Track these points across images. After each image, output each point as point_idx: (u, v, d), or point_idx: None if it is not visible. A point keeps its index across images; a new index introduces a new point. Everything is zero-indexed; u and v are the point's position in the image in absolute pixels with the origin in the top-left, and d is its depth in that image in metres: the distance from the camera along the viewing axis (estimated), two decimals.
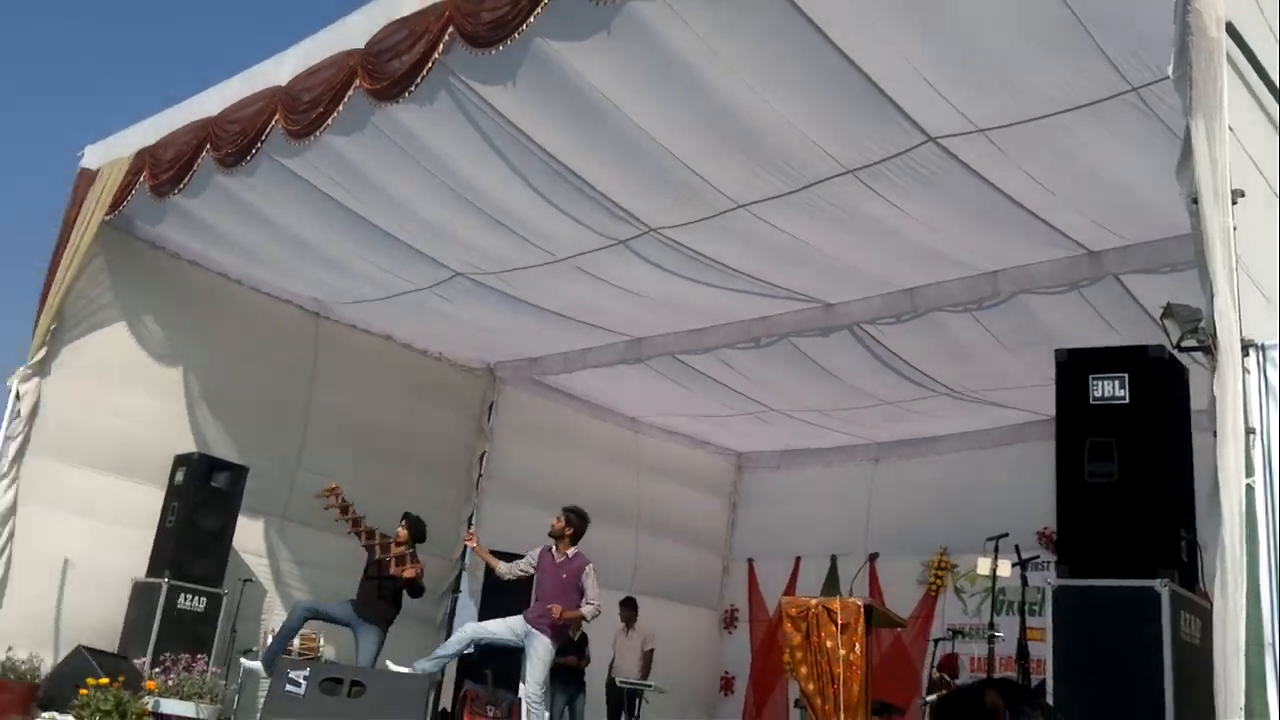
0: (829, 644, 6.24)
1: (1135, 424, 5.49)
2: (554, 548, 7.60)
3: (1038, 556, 8.13)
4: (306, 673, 6.31)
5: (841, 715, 6.10)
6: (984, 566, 6.25)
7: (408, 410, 10.78)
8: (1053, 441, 10.60)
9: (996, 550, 6.12)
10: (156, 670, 6.47)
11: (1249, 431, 4.02)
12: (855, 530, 12.10)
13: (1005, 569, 6.12)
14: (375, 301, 9.77)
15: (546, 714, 7.38)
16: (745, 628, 12.89)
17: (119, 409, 8.78)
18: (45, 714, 6.61)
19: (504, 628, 7.49)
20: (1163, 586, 5.17)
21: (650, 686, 9.78)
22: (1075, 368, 5.81)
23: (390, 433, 10.59)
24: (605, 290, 8.90)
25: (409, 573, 8.16)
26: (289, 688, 6.21)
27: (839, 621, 6.24)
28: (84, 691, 6.16)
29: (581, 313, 9.65)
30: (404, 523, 8.71)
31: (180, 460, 8.85)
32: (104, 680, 6.23)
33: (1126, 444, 5.48)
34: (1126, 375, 5.58)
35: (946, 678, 7.62)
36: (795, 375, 10.32)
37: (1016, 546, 6.33)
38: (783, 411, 11.52)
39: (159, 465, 8.84)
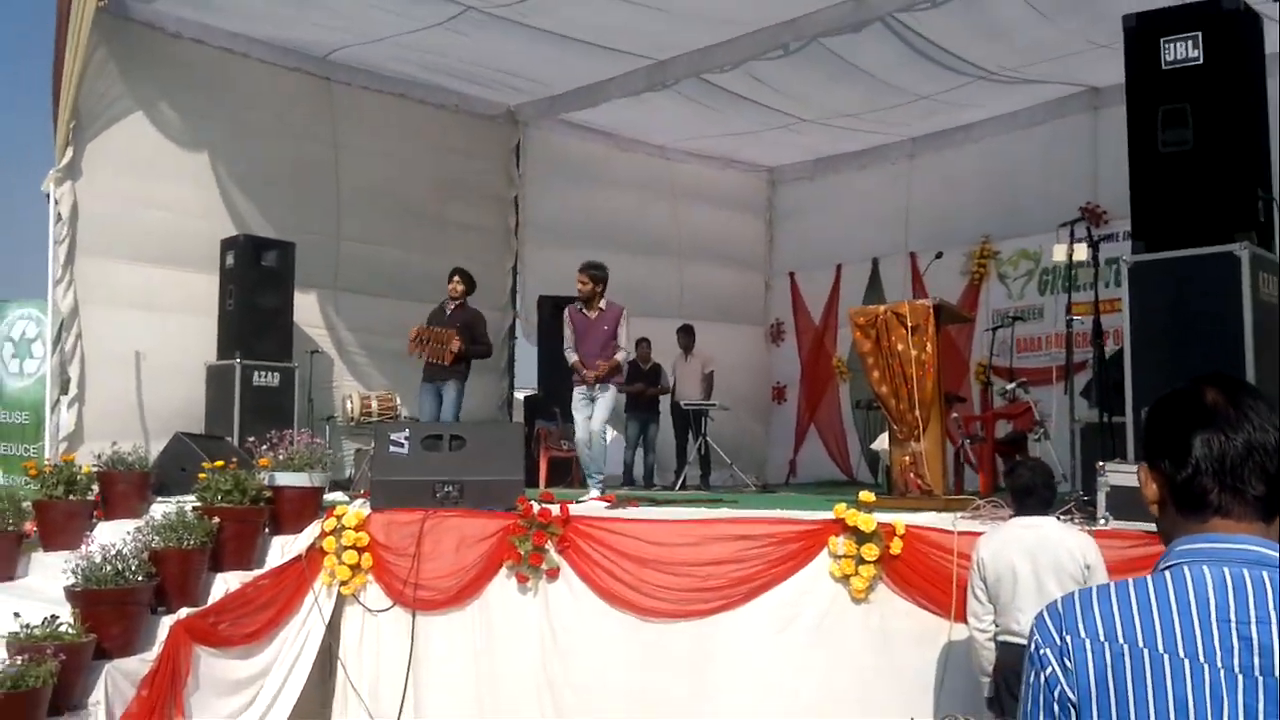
0: (900, 347, 6.36)
1: (1211, 86, 5.32)
2: (584, 308, 7.54)
3: (1112, 234, 8.14)
4: (407, 434, 6.53)
5: (917, 412, 6.31)
6: (1060, 253, 6.25)
7: (435, 166, 10.63)
8: (1092, 113, 10.52)
9: (1072, 235, 6.10)
10: (264, 447, 6.71)
11: None
12: (895, 230, 12.10)
13: (1081, 252, 6.13)
14: (386, 43, 9.37)
15: (609, 438, 7.56)
16: (792, 339, 13.18)
17: (155, 200, 8.71)
18: (160, 498, 6.96)
19: (579, 410, 7.47)
20: (1242, 249, 5.19)
21: (714, 405, 10.15)
22: (1145, 32, 5.56)
23: (422, 192, 10.51)
24: (623, 7, 8.50)
25: (455, 346, 8.37)
26: (392, 449, 6.46)
27: (909, 324, 6.33)
28: (202, 475, 6.43)
29: (601, 36, 9.26)
30: (456, 277, 8.80)
31: (227, 244, 8.86)
32: (219, 463, 6.49)
33: (1202, 108, 5.34)
34: (1200, 34, 5.35)
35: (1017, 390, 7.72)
36: (826, 79, 10.01)
37: (1088, 228, 6.30)
38: (815, 120, 11.26)
39: (206, 252, 8.86)
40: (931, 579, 5.09)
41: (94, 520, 6.79)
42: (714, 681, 5.42)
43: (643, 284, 11.89)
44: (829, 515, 5.42)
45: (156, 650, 5.62)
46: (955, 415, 7.53)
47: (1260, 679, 1.31)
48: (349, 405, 9.02)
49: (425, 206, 10.54)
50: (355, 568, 6.29)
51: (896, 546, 5.18)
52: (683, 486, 9.63)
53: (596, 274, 7.46)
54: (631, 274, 11.38)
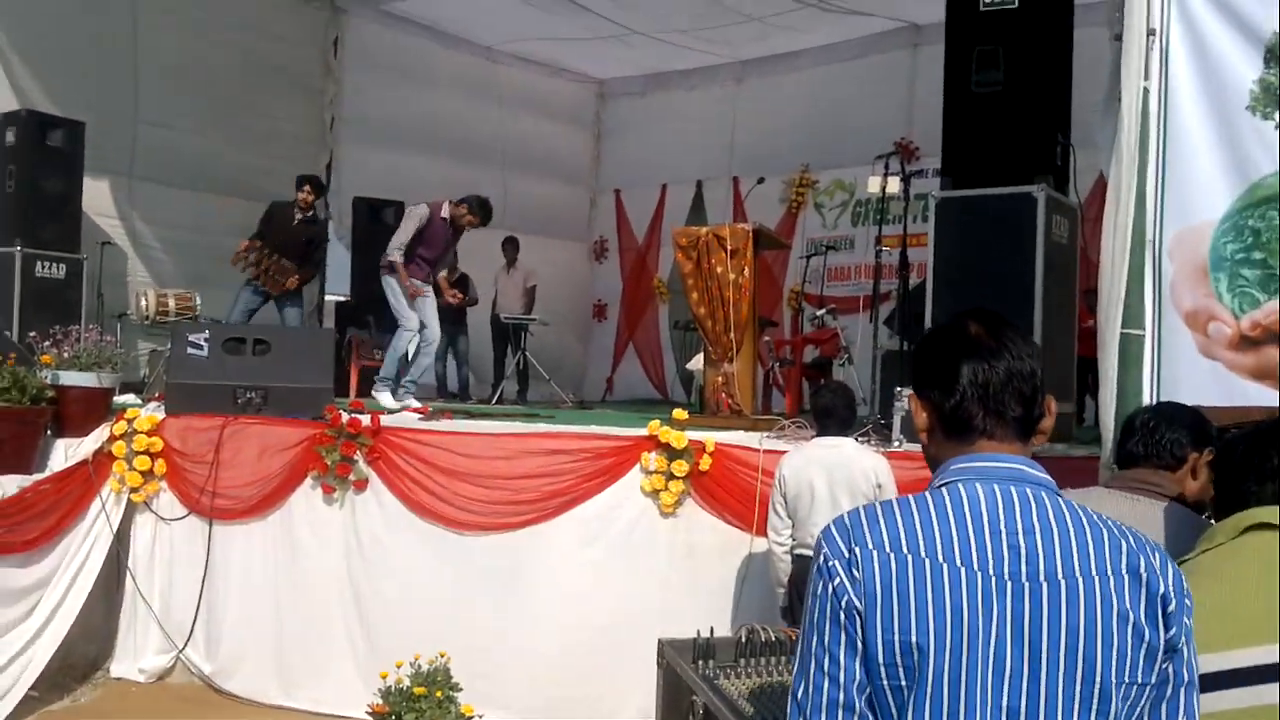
0: (719, 269, 6.46)
1: (1024, 30, 5.56)
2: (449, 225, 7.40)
3: (923, 170, 8.44)
4: (206, 335, 6.19)
5: (732, 334, 6.45)
6: (874, 185, 6.45)
7: (247, 51, 9.92)
8: (911, 50, 10.83)
9: (887, 167, 6.30)
10: (47, 343, 6.23)
11: (1149, 33, 4.12)
12: (720, 154, 12.20)
13: (894, 185, 6.34)
14: None
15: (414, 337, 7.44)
16: (615, 257, 13.20)
17: None
18: None
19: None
20: (1039, 191, 5.50)
21: (534, 320, 10.08)
22: None
23: (230, 78, 9.79)
24: None
25: (291, 283, 8.22)
26: (190, 350, 6.11)
27: (728, 248, 6.42)
28: None
29: None
30: (308, 186, 8.46)
31: (7, 119, 8.06)
32: None
33: (1013, 51, 5.57)
34: None
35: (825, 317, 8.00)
36: None
37: (902, 162, 6.52)
38: (645, 33, 11.14)
39: None
40: (737, 495, 5.25)
41: None
42: (521, 594, 5.46)
43: (464, 192, 11.58)
44: (643, 432, 5.49)
45: None
46: (767, 339, 7.75)
47: (1027, 585, 1.45)
48: (143, 303, 8.46)
49: (235, 94, 9.83)
50: (148, 474, 5.99)
51: (706, 463, 5.31)
52: (499, 401, 9.57)
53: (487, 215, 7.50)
54: (455, 180, 11.00)
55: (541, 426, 6.04)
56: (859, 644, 1.45)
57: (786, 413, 7.09)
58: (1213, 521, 2.13)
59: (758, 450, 5.26)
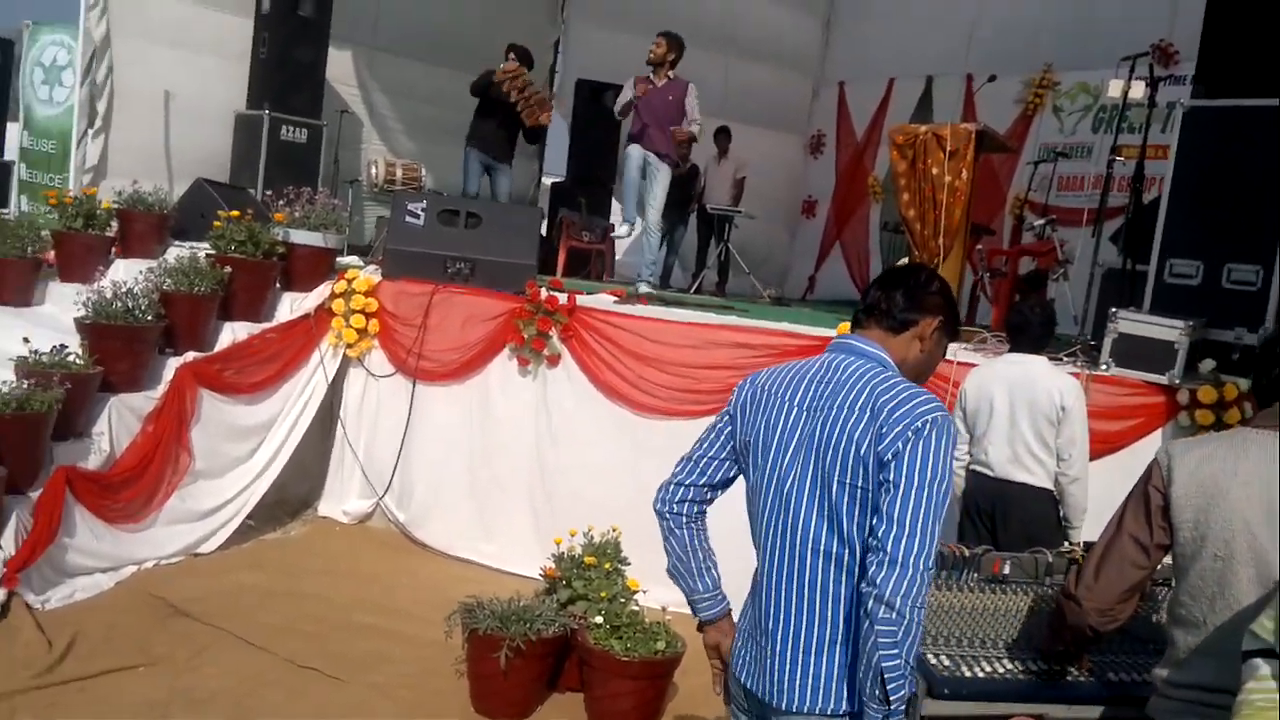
0: (934, 171, 6.15)
1: None
2: (652, 74, 7.37)
3: (1171, 75, 7.71)
4: (424, 205, 6.47)
5: (941, 240, 6.17)
6: (1115, 88, 5.91)
7: None
8: None
9: (1132, 70, 5.77)
10: (281, 202, 6.67)
11: None
12: (954, 48, 11.49)
13: (1138, 90, 5.81)
14: None
15: (637, 230, 7.58)
16: (831, 152, 12.81)
17: None
18: (178, 243, 7.00)
19: (633, 170, 7.44)
20: None
21: (740, 213, 9.97)
22: None
23: None
24: None
25: (545, 119, 8.24)
26: (408, 219, 6.41)
27: (948, 149, 6.10)
28: (217, 224, 6.42)
29: None
30: (511, 54, 8.52)
31: None
32: (235, 213, 6.47)
33: None
34: None
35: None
36: None
37: (1150, 65, 5.93)
38: None
39: None
40: None
41: (111, 257, 6.85)
42: None
43: (689, 79, 11.47)
44: (832, 333, 5.39)
45: (162, 389, 5.77)
46: (980, 247, 7.37)
47: (807, 411, 2.23)
48: (374, 170, 8.91)
49: None
50: (362, 331, 6.38)
51: None
52: (698, 290, 9.60)
53: (674, 39, 7.34)
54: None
55: (732, 319, 6.03)
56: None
57: (992, 325, 6.78)
58: None
59: (951, 361, 5.08)
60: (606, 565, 4.70)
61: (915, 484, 1.99)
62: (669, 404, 5.69)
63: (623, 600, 4.52)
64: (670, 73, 7.35)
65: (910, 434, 2.01)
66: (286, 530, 6.34)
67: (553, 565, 4.81)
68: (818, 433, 2.13)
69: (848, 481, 2.07)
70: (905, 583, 1.94)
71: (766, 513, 2.23)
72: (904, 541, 1.95)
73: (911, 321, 2.25)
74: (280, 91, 8.44)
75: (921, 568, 1.96)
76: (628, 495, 5.59)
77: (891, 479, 2.00)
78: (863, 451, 2.05)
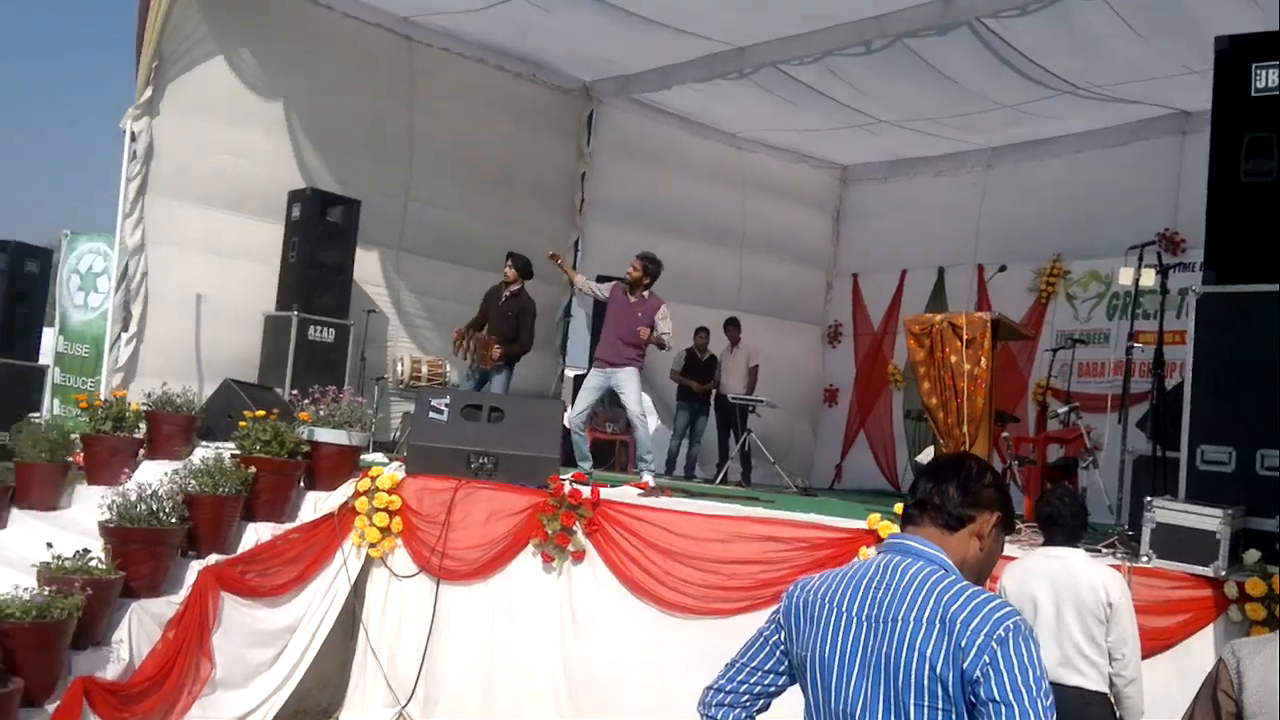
0: (953, 359, 6.21)
1: None
2: (628, 291, 7.56)
3: (1180, 263, 7.89)
4: (447, 400, 6.54)
5: (965, 428, 6.15)
6: (1126, 276, 6.03)
7: (507, 135, 10.63)
8: (1179, 137, 10.20)
9: (1140, 258, 5.90)
10: (306, 401, 6.77)
11: None
12: (964, 240, 11.87)
13: (1149, 277, 5.92)
14: (467, 14, 9.38)
15: (653, 422, 7.61)
16: (849, 342, 13.00)
17: (228, 146, 8.82)
18: (204, 443, 7.06)
19: (588, 391, 7.60)
20: None
21: (761, 401, 10.02)
22: (1236, 55, 5.37)
23: (492, 160, 10.52)
24: None
25: (497, 356, 8.39)
26: (432, 415, 6.47)
27: (964, 337, 6.17)
28: (243, 424, 6.50)
29: (681, 20, 9.17)
30: (510, 262, 8.78)
31: (294, 196, 8.94)
32: (260, 413, 6.55)
33: None
34: None
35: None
36: (906, 82, 9.81)
37: (1159, 253, 6.07)
38: (892, 122, 11.06)
39: (274, 202, 8.96)
40: None
41: (139, 458, 6.90)
42: None
43: (702, 273, 11.82)
44: (862, 525, 5.32)
45: (183, 594, 5.69)
46: (1006, 435, 7.34)
47: (867, 623, 2.04)
48: (399, 367, 9.08)
49: (494, 175, 10.54)
50: (385, 530, 6.32)
51: None
52: (723, 481, 9.55)
53: (650, 266, 7.57)
54: (691, 261, 11.33)
55: (759, 511, 5.96)
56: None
57: (1025, 516, 6.67)
58: None
59: None
60: None
61: (1026, 699, 1.85)
62: (697, 602, 5.55)
63: None
64: (645, 293, 7.57)
65: (995, 645, 1.88)
66: None
67: None
68: (883, 650, 1.97)
69: (925, 704, 1.92)
70: None
71: None
72: None
73: (969, 518, 2.11)
74: (309, 293, 8.72)
75: None
76: (654, 697, 5.41)
77: (996, 697, 1.87)
78: (939, 670, 1.91)
